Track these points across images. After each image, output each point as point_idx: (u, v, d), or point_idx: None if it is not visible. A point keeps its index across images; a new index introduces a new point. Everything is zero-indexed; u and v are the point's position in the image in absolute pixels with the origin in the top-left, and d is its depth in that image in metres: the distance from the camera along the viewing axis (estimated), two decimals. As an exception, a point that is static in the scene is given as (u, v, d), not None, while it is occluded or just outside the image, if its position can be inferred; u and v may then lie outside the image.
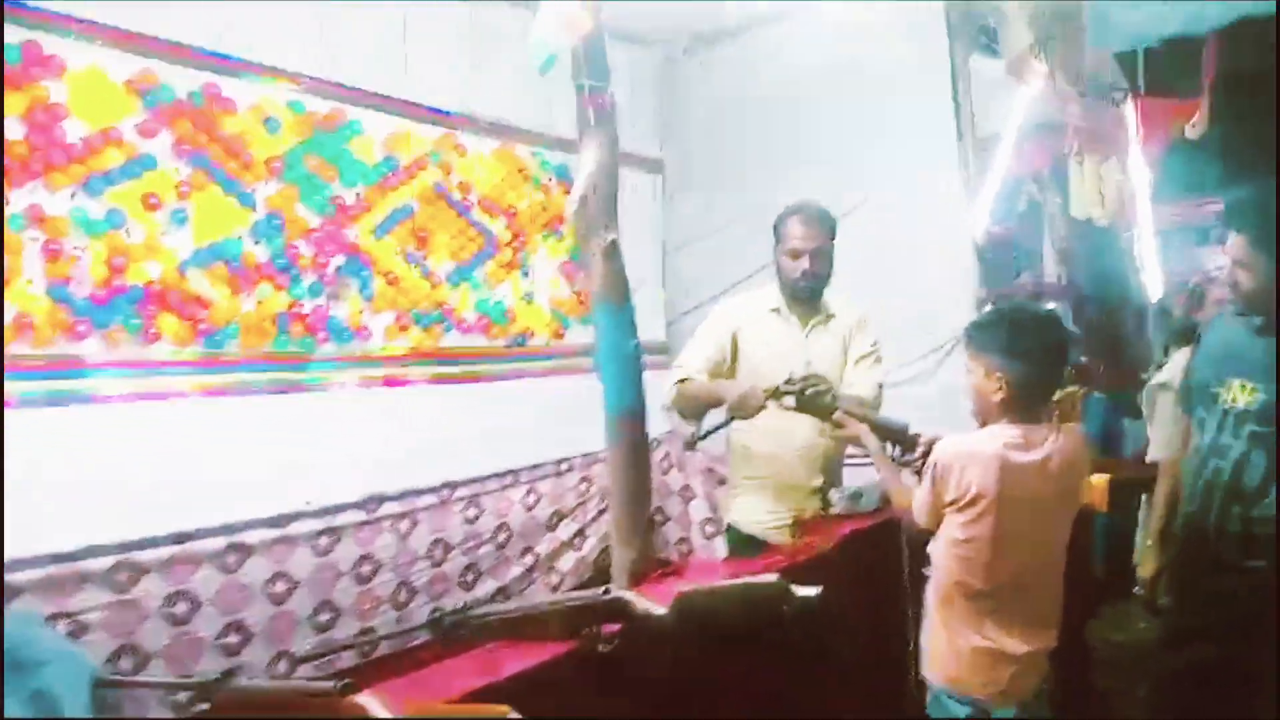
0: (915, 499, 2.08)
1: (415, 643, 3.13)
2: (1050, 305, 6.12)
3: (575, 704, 1.12)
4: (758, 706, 1.91)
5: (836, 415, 2.39)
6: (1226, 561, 2.12)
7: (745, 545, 2.68)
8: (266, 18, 3.25)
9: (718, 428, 2.59)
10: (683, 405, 2.62)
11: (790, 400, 2.44)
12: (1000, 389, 1.99)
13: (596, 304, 2.11)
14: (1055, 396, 4.40)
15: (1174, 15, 4.69)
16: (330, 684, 1.24)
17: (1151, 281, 5.55)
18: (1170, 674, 2.29)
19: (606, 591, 1.61)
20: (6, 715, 1.42)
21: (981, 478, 1.93)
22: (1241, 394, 2.12)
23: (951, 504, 1.98)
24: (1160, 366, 5.74)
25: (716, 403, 2.56)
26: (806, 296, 2.84)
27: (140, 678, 2.57)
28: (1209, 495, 2.15)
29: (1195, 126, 5.57)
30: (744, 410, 2.43)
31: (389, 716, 1.18)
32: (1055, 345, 2.08)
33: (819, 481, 2.73)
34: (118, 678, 2.37)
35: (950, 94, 4.02)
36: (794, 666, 1.82)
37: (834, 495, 2.63)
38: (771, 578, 1.47)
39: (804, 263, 2.75)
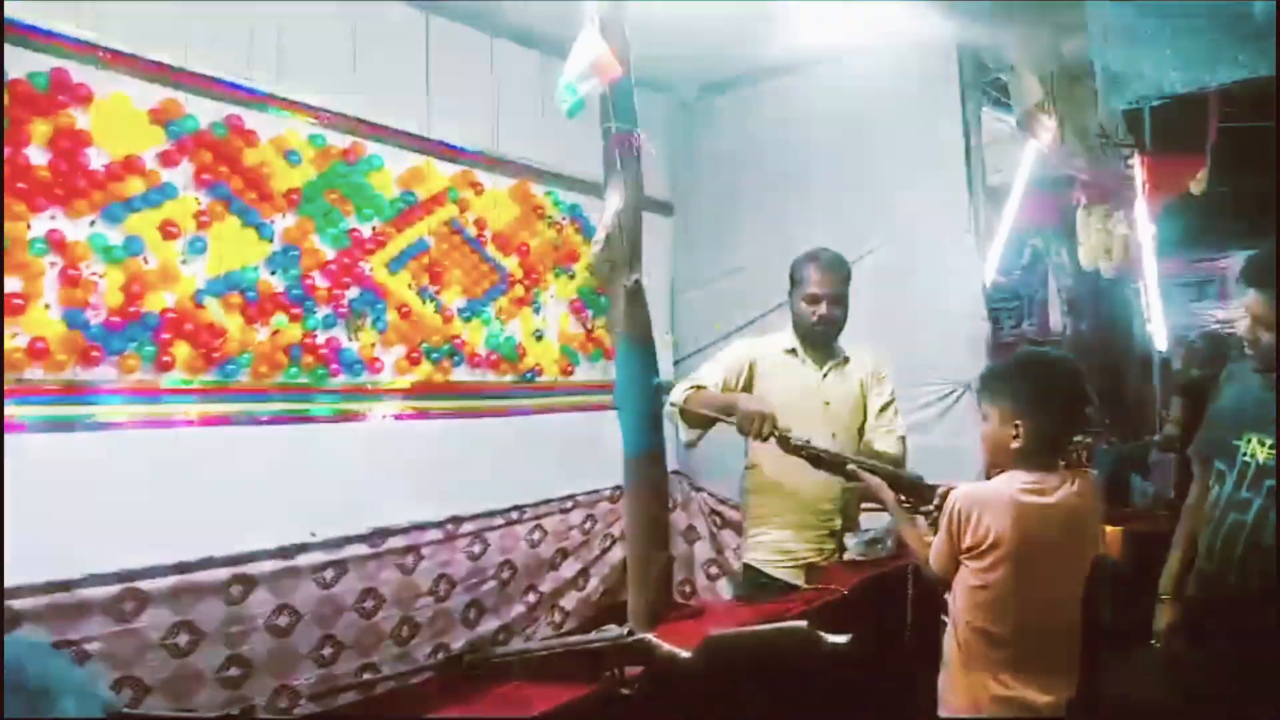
0: (932, 548, 2.07)
1: (421, 679, 3.11)
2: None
3: None
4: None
5: (850, 468, 2.38)
6: (1246, 620, 2.11)
7: (761, 587, 2.66)
8: (291, 51, 3.30)
9: (713, 422, 2.55)
10: (692, 410, 2.59)
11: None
12: (1017, 436, 1.99)
13: (619, 343, 2.11)
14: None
15: (1179, 74, 4.77)
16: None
17: (1156, 333, 5.58)
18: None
19: (630, 633, 1.59)
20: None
21: (998, 523, 1.92)
22: (1260, 449, 2.12)
23: (968, 550, 1.97)
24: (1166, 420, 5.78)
25: (728, 411, 2.54)
26: (822, 341, 2.85)
27: (156, 713, 2.53)
28: (1229, 549, 2.14)
29: (1199, 183, 5.64)
30: (752, 427, 2.41)
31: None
32: (1076, 394, 2.07)
33: (837, 524, 2.71)
34: (132, 711, 2.33)
35: (962, 145, 4.06)
36: (820, 714, 1.80)
37: (849, 540, 2.62)
38: (801, 624, 1.45)
39: (821, 308, 2.78)
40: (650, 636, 1.60)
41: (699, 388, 2.64)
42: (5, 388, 2.63)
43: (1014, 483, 1.98)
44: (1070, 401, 2.06)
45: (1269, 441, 2.11)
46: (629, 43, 2.20)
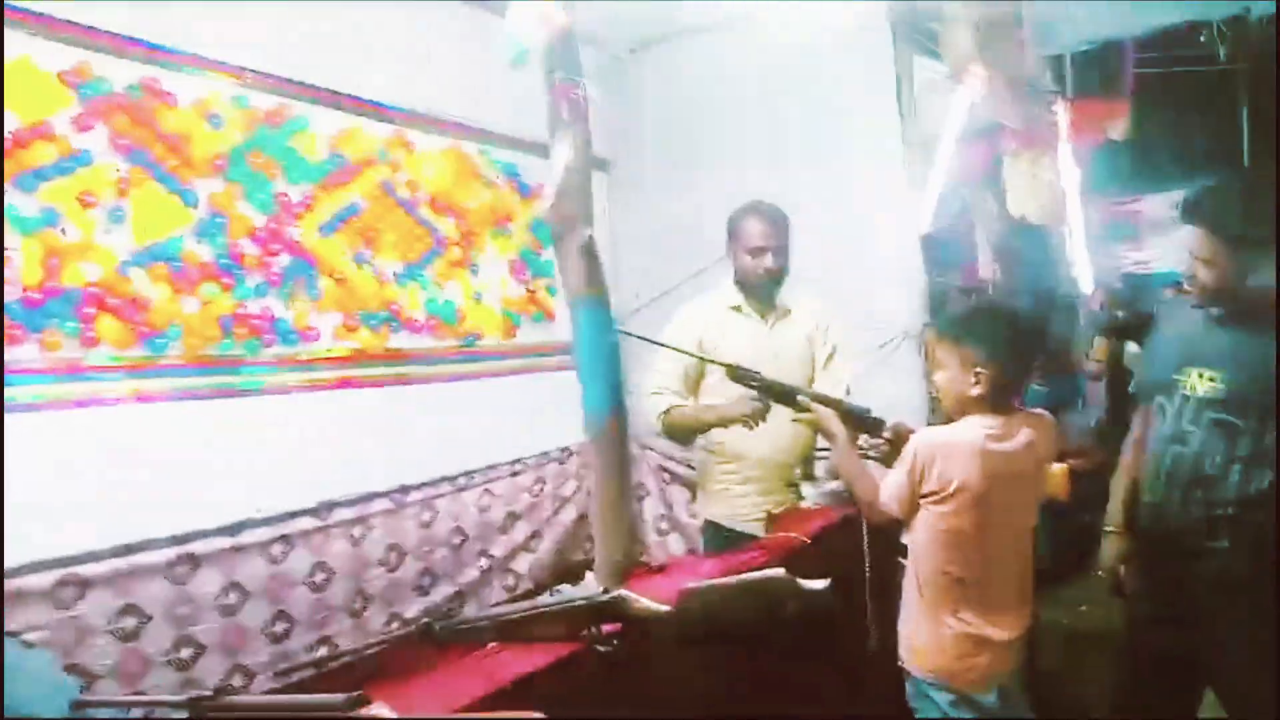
0: (886, 487, 2.08)
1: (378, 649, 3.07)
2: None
3: (581, 705, 1.09)
4: (764, 702, 1.91)
5: (801, 399, 2.35)
6: (1191, 546, 2.19)
7: (723, 540, 2.68)
8: (209, 9, 3.13)
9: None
10: (673, 435, 2.68)
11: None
12: (978, 382, 2.02)
13: (574, 300, 2.07)
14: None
15: (1100, 21, 4.86)
16: (339, 697, 1.19)
17: (1081, 276, 5.73)
18: (1135, 659, 2.35)
19: (605, 591, 1.58)
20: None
21: (963, 471, 1.96)
22: (1200, 382, 2.19)
23: (928, 495, 2.00)
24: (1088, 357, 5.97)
25: (708, 428, 2.61)
26: (766, 293, 2.85)
27: (122, 696, 2.45)
28: (1171, 482, 2.22)
29: (1119, 128, 5.79)
30: (748, 420, 2.49)
31: (409, 728, 1.13)
32: (1035, 339, 2.14)
33: (795, 475, 2.75)
34: (97, 697, 2.24)
35: (895, 96, 4.09)
36: (800, 660, 1.82)
37: (807, 489, 2.64)
38: (779, 572, 1.46)
39: (766, 260, 2.77)
40: (626, 593, 1.59)
41: (669, 411, 2.71)
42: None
43: (977, 429, 2.01)
44: (1028, 347, 2.11)
45: (1208, 374, 2.17)
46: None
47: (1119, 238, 8.78)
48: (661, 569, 2.05)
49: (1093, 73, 5.48)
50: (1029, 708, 2.13)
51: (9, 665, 1.46)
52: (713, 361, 2.50)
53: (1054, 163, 5.18)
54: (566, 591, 1.63)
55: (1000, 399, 2.03)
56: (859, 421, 2.32)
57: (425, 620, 1.61)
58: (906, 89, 4.14)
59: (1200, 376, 2.18)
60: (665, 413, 2.74)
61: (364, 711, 1.16)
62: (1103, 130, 5.73)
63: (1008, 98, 4.61)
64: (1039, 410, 2.15)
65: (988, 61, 4.28)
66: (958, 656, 1.99)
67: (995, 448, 1.97)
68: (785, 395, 2.36)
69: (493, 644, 1.66)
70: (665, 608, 1.54)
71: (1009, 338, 2.03)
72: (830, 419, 2.29)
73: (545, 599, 1.62)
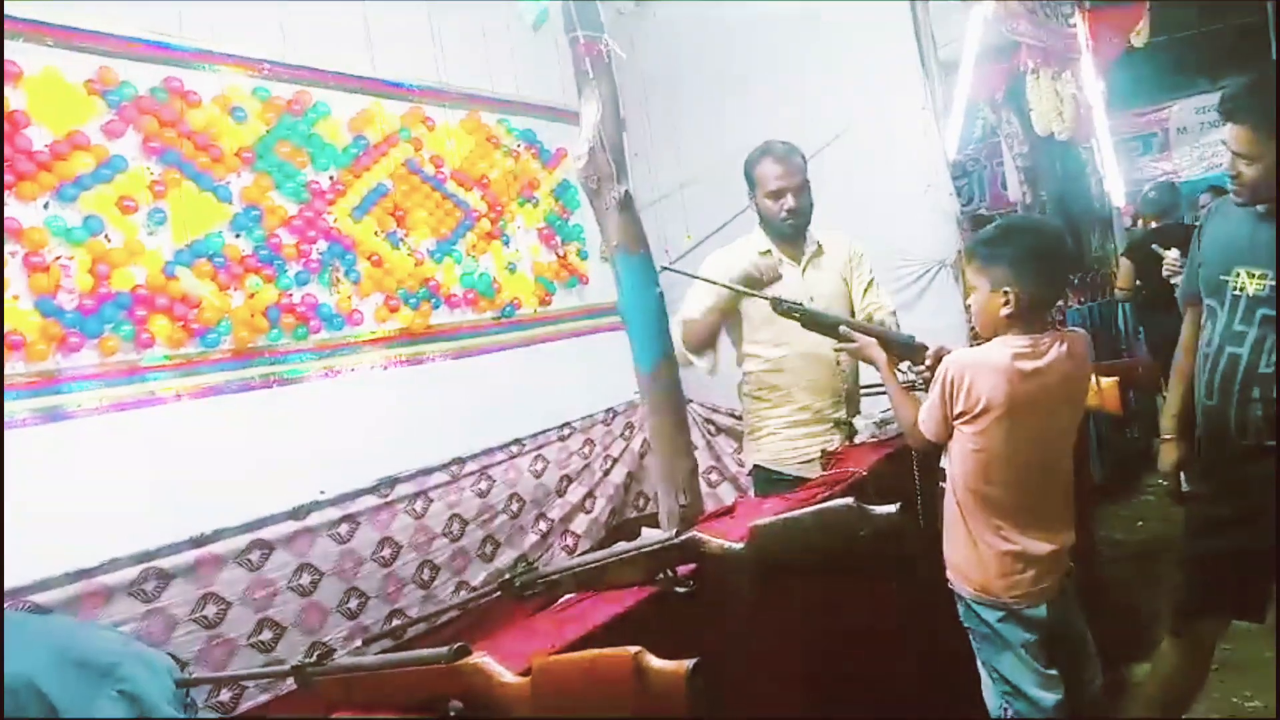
0: (923, 411, 2.10)
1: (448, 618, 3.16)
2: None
3: (664, 647, 1.13)
4: (842, 629, 1.95)
5: (842, 329, 2.37)
6: (1251, 445, 2.18)
7: (774, 485, 2.70)
8: (221, 5, 3.16)
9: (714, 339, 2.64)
10: (692, 335, 2.64)
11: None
12: (1008, 302, 2.01)
13: (616, 255, 2.09)
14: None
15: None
16: (441, 650, 1.23)
17: (1113, 190, 5.65)
18: (1199, 563, 2.35)
19: (678, 534, 1.62)
20: (97, 716, 1.41)
21: (991, 389, 1.96)
22: (1250, 281, 2.17)
23: (960, 415, 2.02)
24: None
25: (727, 308, 2.61)
26: (793, 234, 2.83)
27: (224, 673, 2.54)
28: (1227, 383, 2.20)
29: (1139, 35, 5.67)
30: (763, 279, 2.50)
31: (513, 675, 1.18)
32: (1063, 256, 2.11)
33: (841, 413, 2.76)
34: (201, 675, 2.33)
35: (910, 19, 4.02)
36: (876, 587, 1.86)
37: (859, 423, 2.66)
38: (848, 501, 1.49)
39: (787, 201, 2.74)
40: (698, 533, 1.62)
41: (689, 320, 2.65)
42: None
43: (1007, 348, 2.01)
44: (1057, 264, 2.09)
45: (1258, 273, 2.15)
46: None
47: (1148, 148, 8.65)
48: (728, 511, 2.09)
49: (1111, -21, 5.36)
50: (1083, 621, 2.13)
51: (122, 649, 1.53)
52: (755, 294, 2.50)
53: (1076, 76, 5.11)
54: (645, 539, 1.66)
55: (1032, 317, 2.02)
56: (901, 348, 2.34)
57: (505, 577, 1.66)
58: (921, 13, 4.07)
59: (1250, 275, 2.17)
60: (692, 319, 2.68)
61: (468, 660, 1.21)
62: (1124, 39, 5.61)
63: (1023, 13, 4.54)
64: (1075, 328, 2.14)
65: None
66: (1000, 574, 2.00)
67: (1024, 365, 1.97)
68: (828, 326, 2.38)
69: (572, 594, 1.71)
70: (739, 545, 1.58)
71: (1036, 255, 2.01)
72: (871, 346, 2.32)
73: (620, 546, 1.66)
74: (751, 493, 2.93)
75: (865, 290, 2.85)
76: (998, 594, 2.04)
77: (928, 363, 2.22)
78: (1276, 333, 2.12)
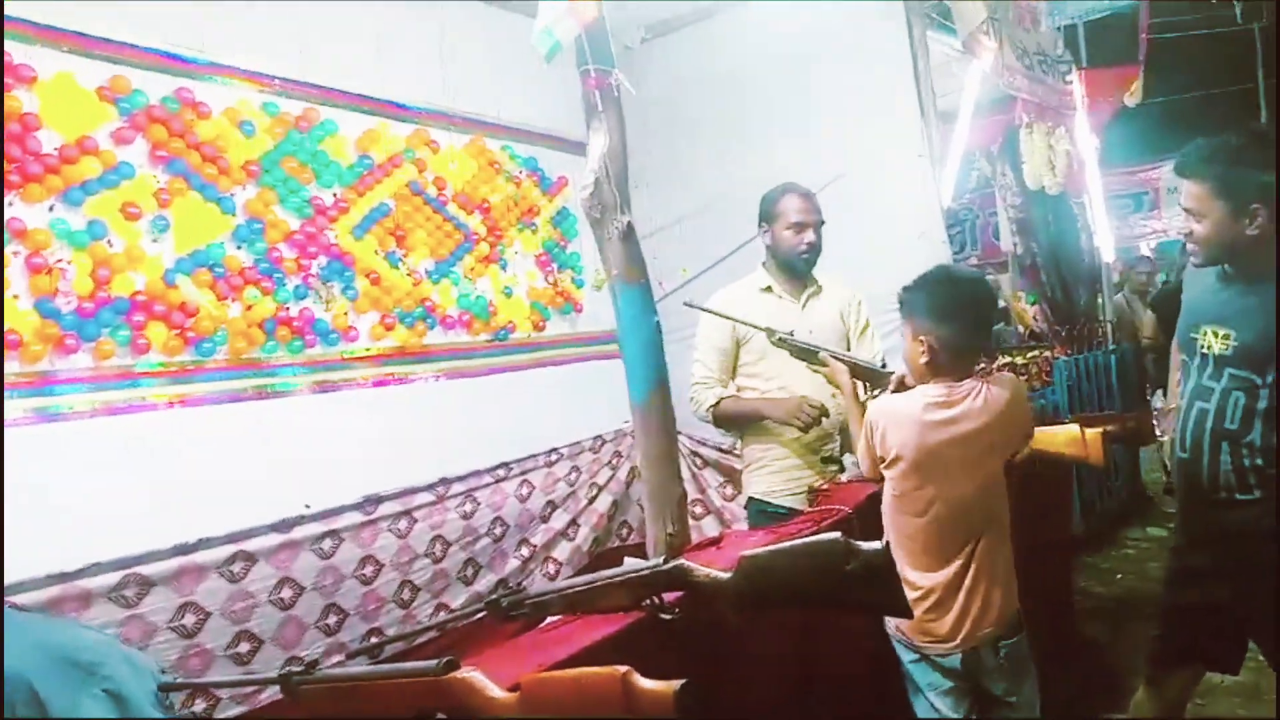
0: (859, 448, 2.20)
1: (426, 639, 3.15)
2: (990, 274, 6.35)
3: (649, 672, 1.14)
4: (825, 662, 1.96)
5: (821, 355, 2.65)
6: (1223, 499, 2.23)
7: (767, 517, 2.75)
8: (236, 17, 3.21)
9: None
10: (723, 425, 2.92)
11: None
12: (925, 350, 2.06)
13: (615, 284, 2.13)
14: (1023, 360, 4.54)
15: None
16: (431, 663, 1.25)
17: (1103, 245, 5.74)
18: (1175, 610, 2.38)
19: (666, 560, 1.64)
20: (83, 716, 1.41)
21: (901, 440, 2.04)
22: (1215, 339, 2.23)
23: (882, 461, 2.10)
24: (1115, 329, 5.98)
25: (759, 418, 2.71)
26: (803, 270, 2.92)
27: (209, 679, 2.53)
28: (1199, 436, 2.26)
29: (1133, 94, 5.80)
30: (798, 420, 2.66)
31: (502, 691, 1.19)
32: (977, 306, 2.12)
33: (833, 449, 2.81)
34: (183, 680, 2.32)
35: (910, 71, 4.10)
36: (859, 621, 1.87)
37: (848, 460, 2.70)
38: (834, 535, 1.51)
39: (808, 234, 2.86)
40: (686, 562, 1.64)
41: (720, 402, 2.85)
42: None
43: (920, 398, 2.07)
44: (973, 314, 2.10)
45: (1221, 331, 2.21)
46: (599, -16, 2.19)
47: (1138, 206, 8.80)
48: (714, 542, 2.11)
49: (1106, 41, 5.49)
50: (1026, 685, 2.12)
51: (106, 649, 1.54)
52: (750, 324, 2.75)
53: (1069, 133, 5.21)
54: (626, 565, 1.68)
55: (952, 366, 2.07)
56: (868, 375, 2.60)
57: (492, 596, 1.67)
58: (922, 64, 4.16)
59: (1215, 334, 2.22)
60: (715, 404, 2.85)
61: (456, 674, 1.22)
62: (1118, 98, 5.73)
63: (1020, 69, 4.64)
64: (1004, 373, 2.19)
65: (999, 34, 4.31)
66: (917, 617, 2.02)
67: (935, 415, 2.02)
68: (807, 353, 2.67)
69: (557, 617, 1.73)
70: (726, 574, 1.60)
71: (953, 305, 2.05)
72: (841, 372, 2.57)
73: (606, 572, 1.67)
74: (741, 525, 2.98)
75: (861, 333, 2.93)
76: (910, 635, 2.08)
77: (889, 388, 2.30)
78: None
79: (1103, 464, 2.69)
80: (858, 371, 2.59)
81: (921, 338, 2.07)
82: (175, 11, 3.06)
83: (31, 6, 2.73)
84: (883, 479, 2.14)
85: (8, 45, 2.69)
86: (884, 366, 2.71)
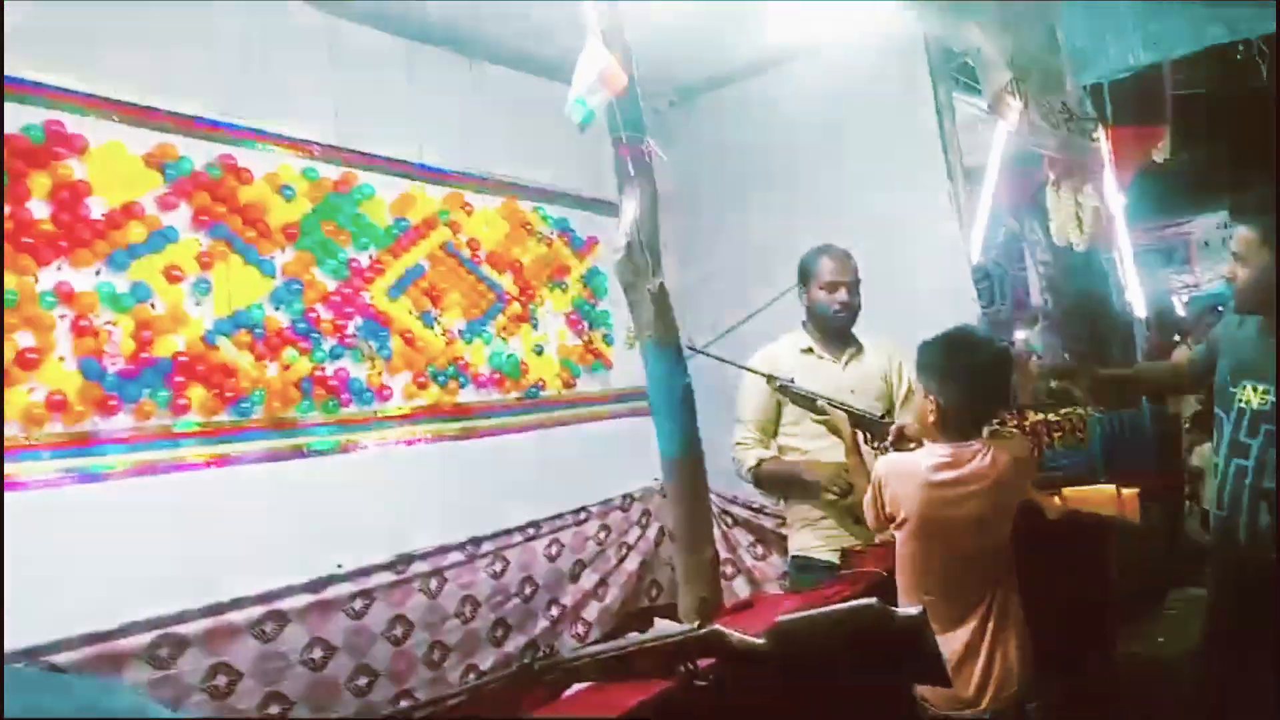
0: (865, 503, 2.18)
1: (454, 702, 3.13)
2: (1023, 333, 6.31)
3: None
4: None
5: (820, 403, 2.64)
6: (1260, 557, 2.18)
7: (809, 572, 2.78)
8: (276, 86, 3.31)
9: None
10: (763, 487, 2.93)
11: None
12: (934, 410, 2.06)
13: (646, 345, 2.15)
14: (1055, 417, 4.49)
15: (1135, 50, 4.90)
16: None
17: (1135, 301, 5.70)
18: (1215, 668, 2.33)
19: (700, 626, 1.63)
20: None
21: (906, 499, 2.04)
22: (1254, 395, 2.20)
23: (889, 519, 2.09)
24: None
25: (798, 481, 2.76)
26: (840, 329, 2.93)
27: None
28: (1236, 494, 2.23)
29: (1161, 151, 5.80)
30: (832, 487, 2.67)
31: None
32: (988, 369, 2.11)
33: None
34: None
35: (936, 131, 4.15)
36: (897, 687, 1.84)
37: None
38: (870, 601, 1.50)
39: (841, 294, 2.87)
40: (720, 627, 1.63)
41: (761, 463, 2.87)
42: (23, 443, 2.64)
43: (929, 457, 2.07)
44: (981, 376, 2.09)
45: (1260, 387, 2.19)
46: (631, 52, 2.25)
47: (1170, 261, 8.75)
48: (747, 605, 2.09)
49: (1132, 99, 5.49)
50: None
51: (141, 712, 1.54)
52: (751, 370, 2.79)
53: (1097, 189, 5.20)
54: (659, 630, 1.67)
55: (960, 426, 2.06)
56: (868, 425, 2.59)
57: (524, 660, 1.66)
58: (948, 123, 4.20)
59: (1254, 390, 2.20)
60: (757, 465, 2.86)
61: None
62: (1146, 154, 5.73)
63: (1046, 128, 4.66)
64: (1014, 432, 2.18)
65: (1024, 94, 4.35)
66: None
67: (941, 475, 2.02)
68: (807, 401, 2.67)
69: (589, 682, 1.72)
70: (760, 640, 1.58)
71: (964, 370, 2.06)
72: (841, 421, 2.55)
73: (640, 635, 1.66)
74: (772, 586, 2.97)
75: (906, 396, 2.93)
76: (936, 701, 2.05)
77: (888, 441, 2.29)
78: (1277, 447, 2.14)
79: (1139, 523, 2.65)
80: (857, 420, 2.60)
81: (931, 396, 2.07)
82: (219, 80, 3.16)
83: (83, 77, 2.84)
84: (889, 535, 2.13)
85: (60, 115, 2.79)
86: (883, 417, 2.71)
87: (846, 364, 2.92)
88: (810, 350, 2.92)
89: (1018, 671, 2.05)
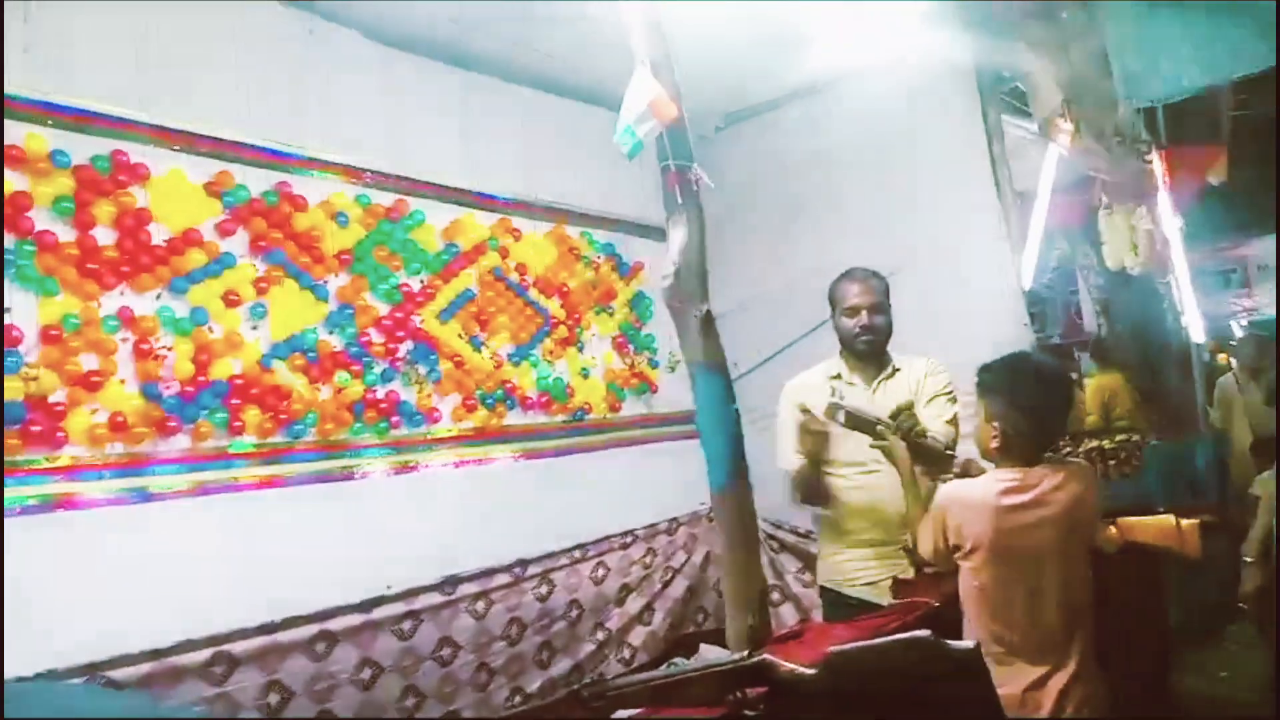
0: (921, 534, 2.14)
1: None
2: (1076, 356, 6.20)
3: None
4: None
5: (878, 428, 2.47)
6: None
7: (840, 608, 2.68)
8: (331, 116, 3.39)
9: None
10: (803, 490, 2.79)
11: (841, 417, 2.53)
12: (996, 435, 2.04)
13: (695, 372, 2.15)
14: (1110, 445, 4.40)
15: (1190, 71, 4.83)
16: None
17: (1192, 326, 5.58)
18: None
19: (750, 654, 1.62)
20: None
21: (979, 530, 2.00)
22: None
23: (956, 550, 2.05)
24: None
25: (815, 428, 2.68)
26: (867, 353, 2.86)
27: None
28: None
29: (1217, 173, 5.70)
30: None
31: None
32: (1053, 396, 2.10)
33: (910, 539, 2.73)
34: None
35: (986, 154, 4.11)
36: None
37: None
38: (924, 633, 1.48)
39: (862, 317, 2.80)
40: (770, 656, 1.62)
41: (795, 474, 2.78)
42: (85, 463, 2.71)
43: (993, 484, 2.04)
44: (1045, 405, 2.08)
45: None
46: (679, 83, 2.26)
47: (1227, 284, 8.56)
48: (796, 635, 2.08)
49: (1187, 121, 5.41)
50: None
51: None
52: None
53: (1151, 212, 5.12)
54: (705, 656, 1.66)
55: (1019, 451, 2.03)
56: (930, 457, 2.42)
57: (574, 686, 1.67)
58: (998, 146, 4.16)
59: None
60: (795, 471, 2.77)
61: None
62: (1202, 177, 5.64)
63: (1098, 151, 4.61)
64: (1076, 459, 2.14)
65: (1076, 117, 4.30)
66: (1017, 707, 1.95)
67: (1011, 500, 1.98)
68: (866, 423, 2.49)
69: (638, 707, 1.71)
70: (811, 670, 1.57)
71: (1027, 398, 2.04)
72: (900, 447, 2.38)
73: (688, 663, 1.66)
74: (818, 614, 2.90)
75: (929, 401, 2.84)
76: None
77: (954, 471, 2.25)
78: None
79: (1198, 555, 2.58)
80: (917, 449, 2.43)
81: (996, 422, 2.05)
82: (276, 109, 3.25)
83: (145, 107, 2.92)
84: (950, 567, 2.09)
85: (124, 145, 2.88)
86: (949, 449, 2.63)
87: (877, 388, 2.86)
88: (838, 376, 2.86)
89: (1105, 705, 2.01)
